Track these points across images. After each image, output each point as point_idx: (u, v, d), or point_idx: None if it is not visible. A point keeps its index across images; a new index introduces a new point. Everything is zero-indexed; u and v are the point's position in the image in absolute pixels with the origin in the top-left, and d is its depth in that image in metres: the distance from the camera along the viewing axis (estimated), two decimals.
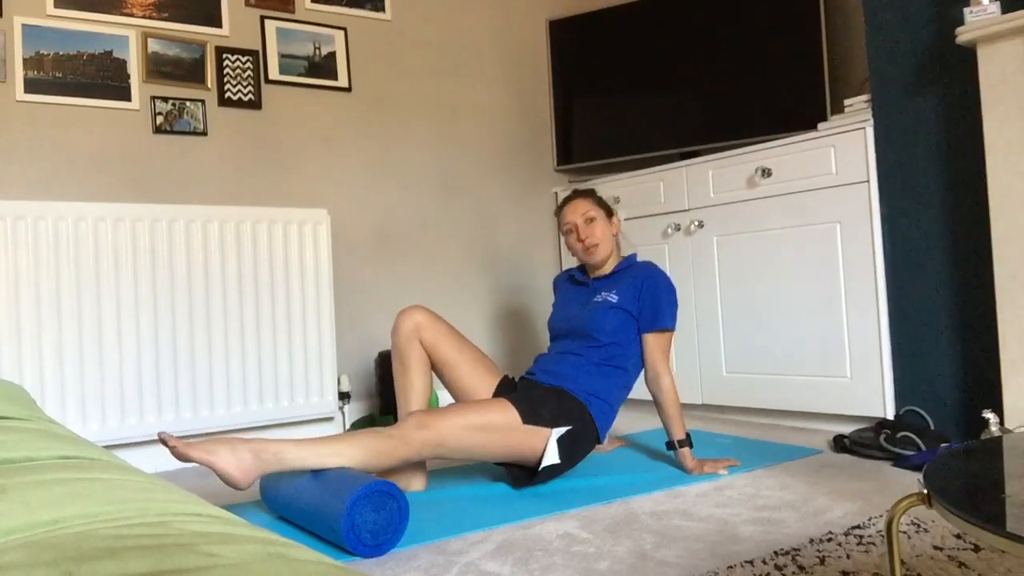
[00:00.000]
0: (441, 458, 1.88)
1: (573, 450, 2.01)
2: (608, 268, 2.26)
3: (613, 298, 2.16)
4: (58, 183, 2.48)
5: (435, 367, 2.13)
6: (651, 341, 2.15)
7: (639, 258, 2.32)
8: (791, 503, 1.77)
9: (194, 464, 1.73)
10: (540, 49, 3.56)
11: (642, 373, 2.19)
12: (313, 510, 1.63)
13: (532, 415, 1.94)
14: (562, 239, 3.46)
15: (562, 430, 1.98)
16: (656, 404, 2.13)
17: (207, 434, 2.55)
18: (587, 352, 2.14)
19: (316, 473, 1.67)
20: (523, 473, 2.00)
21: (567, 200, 2.28)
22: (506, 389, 2.12)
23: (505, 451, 1.93)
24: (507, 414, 1.92)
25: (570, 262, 3.43)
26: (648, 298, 2.14)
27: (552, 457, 1.95)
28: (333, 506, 1.56)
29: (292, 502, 1.71)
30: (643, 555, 1.48)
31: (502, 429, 1.90)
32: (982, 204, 2.14)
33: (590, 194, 2.29)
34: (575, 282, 2.34)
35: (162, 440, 1.57)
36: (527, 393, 2.05)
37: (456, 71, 3.31)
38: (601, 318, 2.14)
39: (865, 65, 2.56)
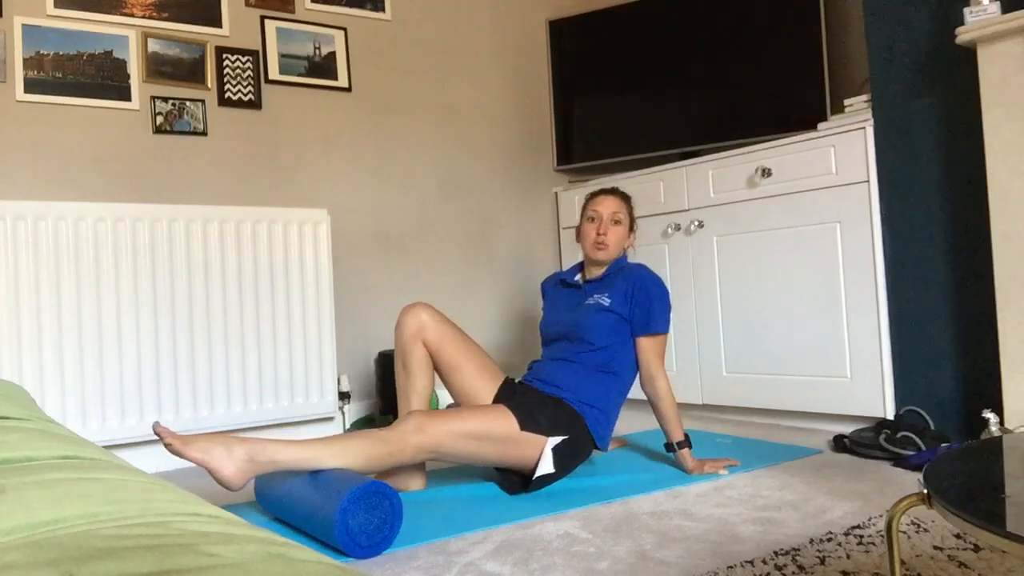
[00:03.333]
0: (437, 460, 1.87)
1: (567, 460, 2.00)
2: (600, 271, 2.25)
3: (605, 301, 2.15)
4: (58, 183, 2.48)
5: (438, 368, 2.11)
6: (644, 344, 2.14)
7: (630, 259, 2.31)
8: (791, 503, 1.77)
9: (189, 462, 1.70)
10: (540, 49, 3.56)
11: (638, 376, 2.18)
12: (307, 512, 1.63)
13: (530, 422, 1.94)
14: (562, 235, 3.48)
15: (558, 439, 1.97)
16: (652, 407, 2.13)
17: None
18: (581, 358, 2.13)
19: (310, 474, 1.67)
20: (517, 479, 2.00)
21: (605, 192, 2.27)
22: (507, 392, 2.11)
23: (500, 458, 1.93)
24: (505, 422, 1.91)
25: (570, 263, 3.43)
26: (640, 302, 2.13)
27: (547, 466, 1.95)
28: (326, 509, 1.56)
29: (286, 503, 1.71)
30: (643, 555, 1.48)
31: (499, 437, 1.89)
32: (982, 204, 2.14)
33: (627, 200, 2.29)
34: (566, 285, 2.31)
35: (157, 433, 1.55)
36: (525, 398, 2.04)
37: (456, 71, 3.31)
38: (594, 322, 2.13)
39: (865, 65, 2.57)
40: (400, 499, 1.61)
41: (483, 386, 2.10)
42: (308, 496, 1.63)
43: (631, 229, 2.27)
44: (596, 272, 2.25)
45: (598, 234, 2.20)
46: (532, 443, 1.94)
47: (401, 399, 2.10)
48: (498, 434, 1.89)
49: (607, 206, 2.22)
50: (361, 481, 1.57)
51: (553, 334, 2.23)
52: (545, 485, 2.01)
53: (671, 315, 2.20)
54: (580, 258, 2.41)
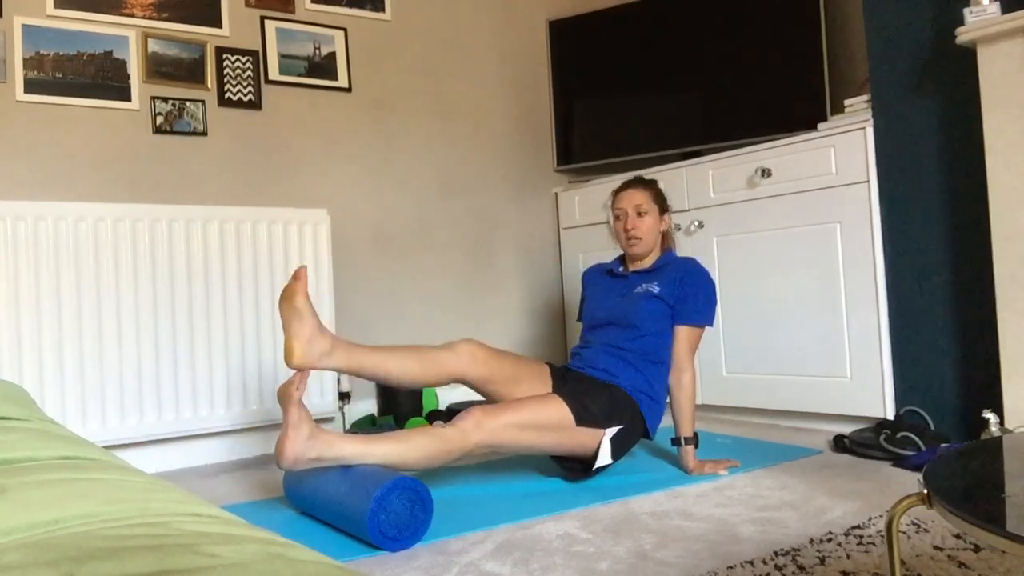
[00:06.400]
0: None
1: (623, 447, 2.06)
2: (648, 262, 2.27)
3: (655, 289, 2.18)
4: (58, 183, 2.48)
5: (491, 392, 2.06)
6: (682, 334, 2.16)
7: (676, 239, 2.35)
8: (791, 503, 1.77)
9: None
10: (540, 49, 3.56)
11: None
12: (338, 507, 1.66)
13: (586, 416, 1.97)
14: (562, 235, 3.48)
15: (614, 430, 2.02)
16: (671, 397, 2.15)
17: (207, 435, 2.55)
18: (629, 344, 2.16)
19: (341, 469, 1.70)
20: (578, 466, 2.05)
21: (627, 185, 2.29)
22: (556, 380, 2.13)
23: (558, 446, 1.98)
24: (560, 410, 1.95)
25: (570, 263, 3.43)
26: (689, 291, 2.16)
27: (606, 457, 2.01)
28: (358, 503, 1.59)
29: (316, 499, 1.74)
30: (643, 555, 1.48)
31: (556, 426, 1.93)
32: (982, 204, 2.14)
33: (650, 186, 2.29)
34: (612, 275, 2.34)
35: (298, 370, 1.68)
36: (576, 387, 2.06)
37: (456, 71, 3.30)
38: (644, 307, 2.16)
39: (865, 65, 2.56)
40: (430, 493, 1.64)
41: (543, 390, 2.10)
42: (339, 491, 1.66)
43: (662, 213, 2.28)
44: (641, 264, 2.28)
45: (627, 231, 2.23)
46: (590, 435, 1.99)
47: (423, 351, 1.99)
48: (554, 423, 1.93)
49: (629, 200, 2.24)
50: (393, 476, 1.61)
51: (600, 319, 2.26)
52: (603, 470, 2.08)
53: (715, 312, 2.21)
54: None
